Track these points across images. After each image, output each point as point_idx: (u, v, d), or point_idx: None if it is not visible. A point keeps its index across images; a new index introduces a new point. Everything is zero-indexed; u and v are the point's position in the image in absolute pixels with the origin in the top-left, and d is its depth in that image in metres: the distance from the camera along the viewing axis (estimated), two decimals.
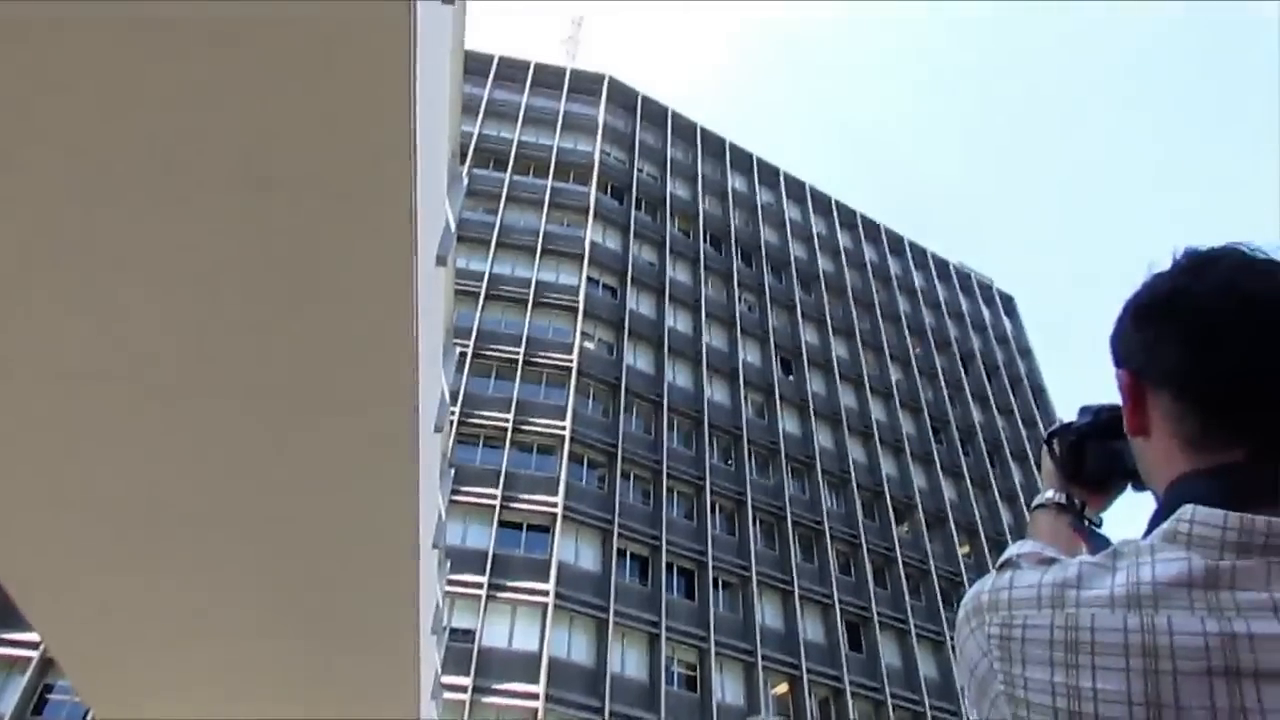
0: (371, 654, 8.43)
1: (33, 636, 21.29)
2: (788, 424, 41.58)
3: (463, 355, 33.11)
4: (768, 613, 34.60)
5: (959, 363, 51.68)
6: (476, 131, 42.14)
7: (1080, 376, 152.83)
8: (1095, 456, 1.25)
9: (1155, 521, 0.80)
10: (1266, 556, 0.70)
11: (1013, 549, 1.02)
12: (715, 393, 40.51)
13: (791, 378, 43.83)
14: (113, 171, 4.13)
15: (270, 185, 4.26)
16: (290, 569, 7.32)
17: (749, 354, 43.07)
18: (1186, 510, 0.75)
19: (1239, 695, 0.64)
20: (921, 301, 53.41)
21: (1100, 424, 1.24)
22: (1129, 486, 1.22)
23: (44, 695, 24.60)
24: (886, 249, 54.63)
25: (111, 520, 6.75)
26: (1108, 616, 0.71)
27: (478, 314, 36.81)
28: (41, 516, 6.72)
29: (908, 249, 55.90)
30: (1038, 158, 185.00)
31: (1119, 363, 0.91)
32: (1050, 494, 1.27)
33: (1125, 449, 1.16)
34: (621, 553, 32.99)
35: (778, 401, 41.76)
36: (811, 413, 42.44)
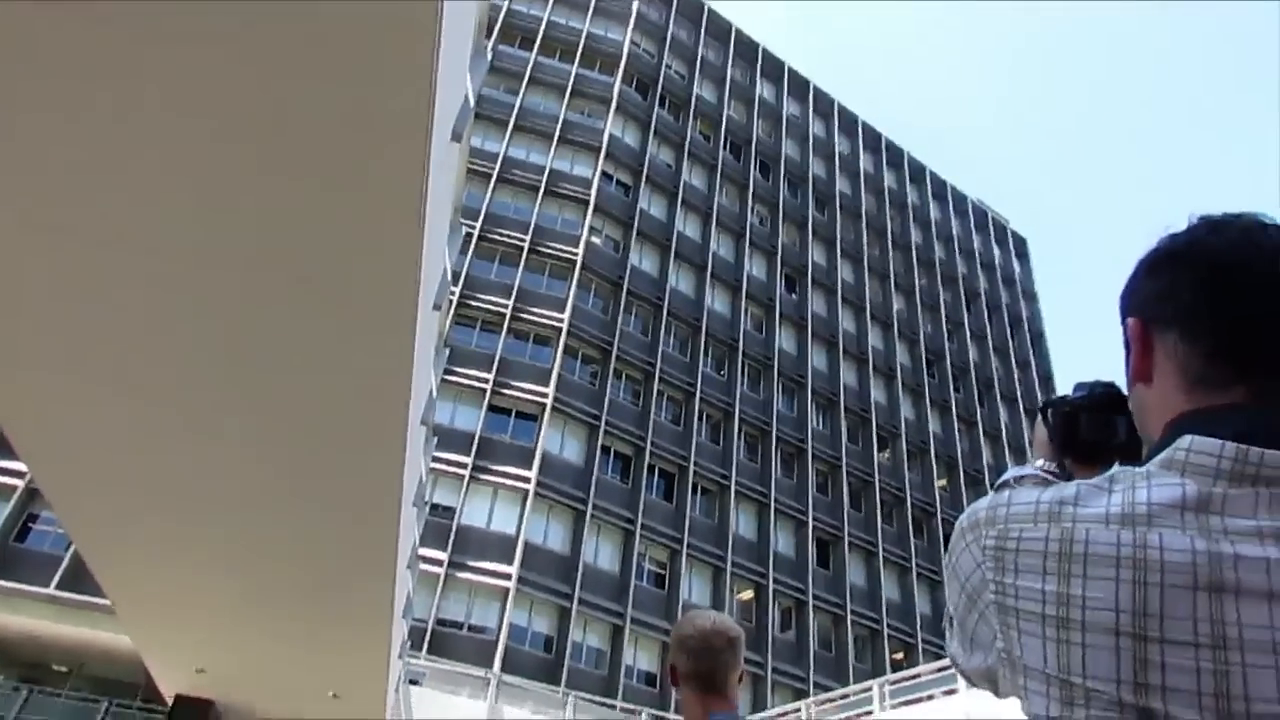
0: (355, 517, 8.60)
1: (19, 465, 21.68)
2: (784, 341, 41.65)
3: (468, 236, 32.85)
4: (742, 522, 35.37)
5: (963, 299, 51.48)
6: (506, 5, 40.73)
7: (1083, 330, 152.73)
8: (1089, 429, 1.30)
9: (1153, 455, 0.82)
10: (1257, 486, 0.74)
11: (1011, 472, 1.02)
12: (716, 302, 40.40)
13: (794, 295, 43.68)
14: (131, 56, 3.96)
15: (284, 44, 4.09)
16: (283, 429, 7.38)
17: (754, 267, 42.78)
18: (1185, 440, 0.79)
19: (1219, 608, 0.69)
20: (934, 233, 52.82)
21: (1095, 398, 1.31)
22: (1117, 463, 1.25)
23: (28, 524, 25.15)
24: (907, 176, 53.68)
25: (111, 377, 6.76)
26: (1102, 531, 0.75)
27: (487, 196, 36.33)
28: (44, 369, 6.72)
29: (928, 179, 54.95)
30: (1084, 108, 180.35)
31: (1129, 312, 0.94)
32: (1041, 463, 1.30)
33: (1118, 423, 1.21)
34: (606, 449, 33.47)
35: (777, 317, 41.73)
36: (809, 332, 42.47)
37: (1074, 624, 0.73)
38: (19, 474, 23.27)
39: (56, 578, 23.36)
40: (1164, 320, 0.89)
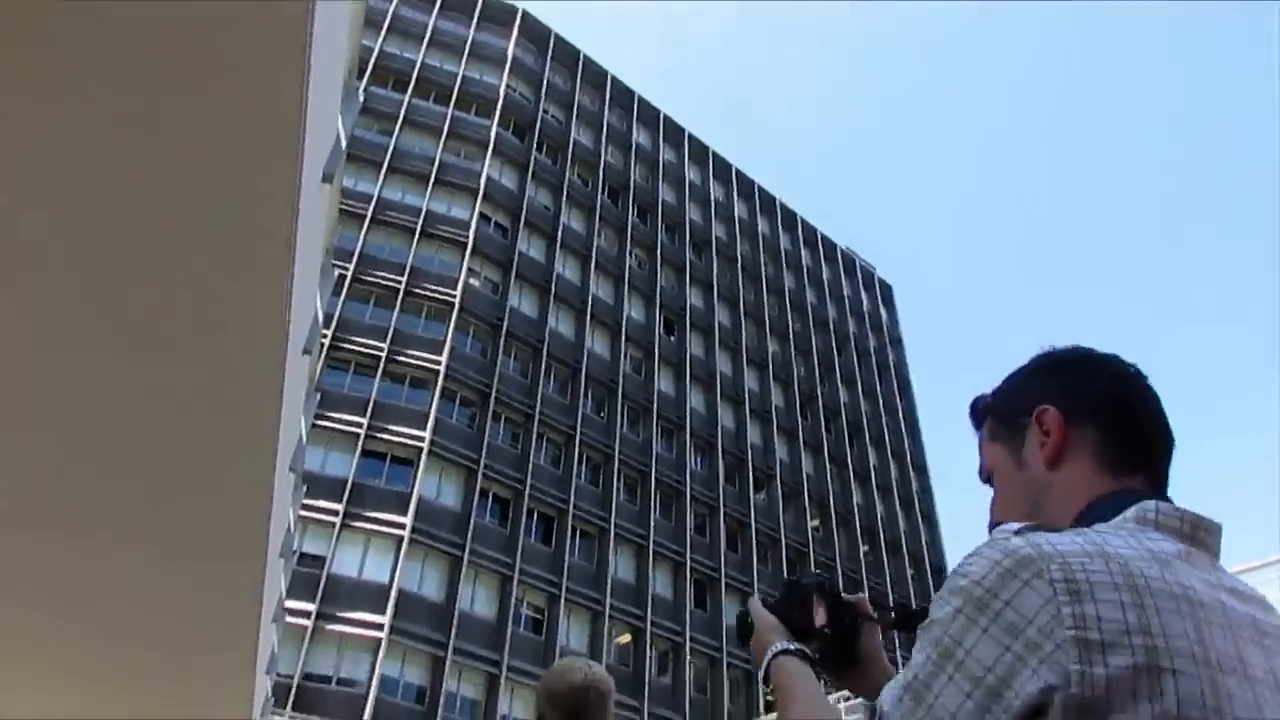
0: (217, 570, 8.19)
1: None
2: (663, 383, 42.22)
3: (341, 278, 32.07)
4: (621, 565, 35.36)
5: (833, 343, 53.51)
6: (378, 48, 40.33)
7: (946, 373, 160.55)
8: (796, 616, 1.28)
9: (1085, 521, 0.94)
10: (1203, 548, 0.90)
11: (1002, 527, 1.11)
12: (596, 344, 40.66)
13: (673, 338, 44.42)
14: None
15: (147, 73, 4.00)
16: (138, 474, 7.01)
17: (634, 309, 43.36)
18: (1150, 504, 0.92)
19: (1235, 645, 0.80)
20: (806, 279, 54.86)
21: (792, 592, 1.32)
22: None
23: None
24: (780, 223, 55.70)
25: None
26: (1150, 567, 0.82)
27: (361, 237, 35.61)
28: None
29: (799, 225, 57.17)
30: (931, 148, 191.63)
31: (1041, 400, 1.05)
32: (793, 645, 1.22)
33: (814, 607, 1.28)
34: (485, 493, 32.99)
35: (656, 360, 42.31)
36: (688, 375, 43.21)
37: (1162, 654, 0.75)
38: None
39: None
40: (1081, 413, 1.03)
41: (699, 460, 41.49)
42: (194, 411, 6.30)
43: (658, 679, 33.47)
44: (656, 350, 42.67)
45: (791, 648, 1.19)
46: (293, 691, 25.16)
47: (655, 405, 40.76)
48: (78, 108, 4.19)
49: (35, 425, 6.44)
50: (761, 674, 1.20)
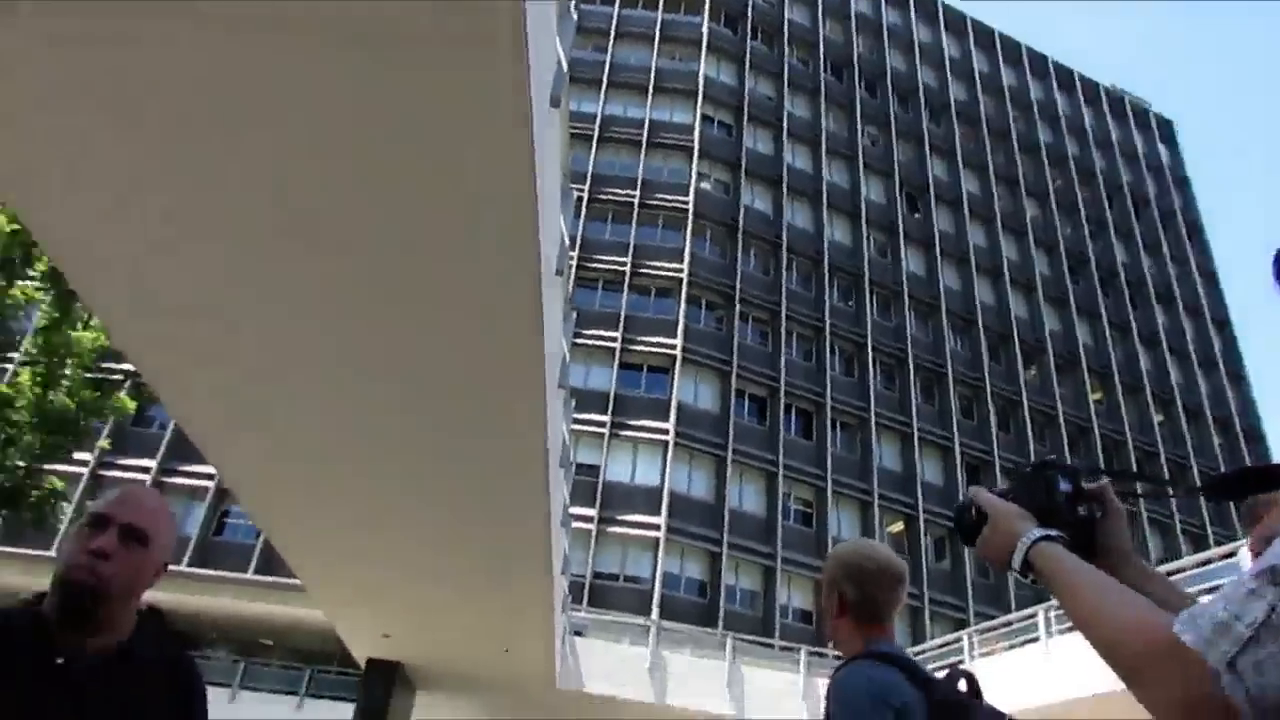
0: (507, 485, 8.97)
1: (209, 469, 23.61)
2: (912, 264, 40.33)
3: (579, 200, 33.17)
4: (885, 454, 34.80)
5: (1103, 195, 48.33)
6: None
7: (1245, 217, 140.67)
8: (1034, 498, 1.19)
9: None
10: None
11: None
12: (836, 232, 39.45)
13: (917, 215, 42.12)
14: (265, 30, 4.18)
15: (376, 40, 4.23)
16: (433, 409, 7.75)
17: (872, 190, 41.44)
18: None
19: None
20: (1065, 129, 49.64)
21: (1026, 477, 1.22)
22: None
23: (222, 520, 27.47)
24: (1028, 71, 50.50)
25: (276, 372, 7.26)
26: None
27: (591, 157, 36.50)
28: (221, 372, 7.30)
29: (1052, 70, 51.52)
30: None
31: None
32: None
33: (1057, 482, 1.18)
34: (740, 393, 33.48)
35: (902, 240, 40.39)
36: (937, 252, 40.94)
37: None
38: (209, 476, 25.42)
39: (252, 564, 25.46)
40: None
41: (958, 340, 39.51)
42: (471, 345, 6.82)
43: (935, 565, 32.96)
44: (901, 230, 40.68)
45: (1053, 534, 1.10)
46: (586, 589, 27.34)
47: (905, 288, 39.10)
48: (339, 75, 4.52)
49: (364, 375, 7.26)
50: (1018, 562, 1.10)
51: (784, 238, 37.44)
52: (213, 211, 5.51)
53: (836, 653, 2.13)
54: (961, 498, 1.25)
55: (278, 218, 5.54)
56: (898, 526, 33.57)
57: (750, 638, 23.64)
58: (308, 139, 4.91)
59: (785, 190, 38.78)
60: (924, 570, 31.87)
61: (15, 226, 14.15)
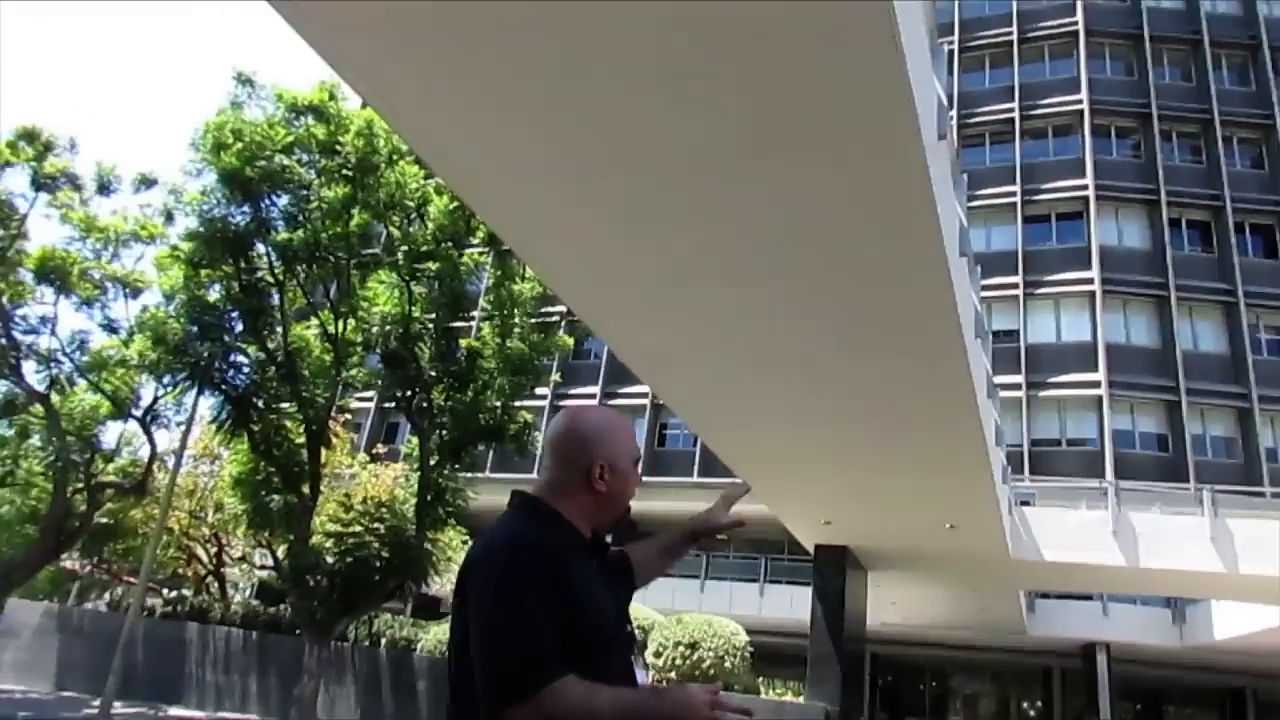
0: (924, 361, 8.93)
1: (644, 389, 26.28)
2: None
3: (950, 54, 30.76)
4: None
5: None
6: None
7: None
8: None
9: None
10: None
11: None
12: (1273, 7, 32.27)
13: None
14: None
15: None
16: (840, 305, 7.96)
17: None
18: None
19: None
20: None
21: None
22: None
23: (662, 431, 30.50)
24: None
25: (694, 302, 7.95)
26: None
27: (956, 3, 33.53)
28: (644, 301, 8.20)
29: None
30: None
31: None
32: None
33: None
34: (1174, 222, 29.31)
35: None
36: None
37: None
38: (644, 394, 28.35)
39: (695, 468, 28.02)
40: None
41: None
42: (863, 234, 6.86)
43: None
44: None
45: None
46: (1026, 458, 26.12)
47: None
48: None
49: (763, 286, 7.71)
50: None
51: (1204, 30, 31.48)
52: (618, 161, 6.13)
53: None
54: None
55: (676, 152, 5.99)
56: None
57: (1232, 488, 20.97)
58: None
59: None
60: None
61: (455, 204, 16.56)
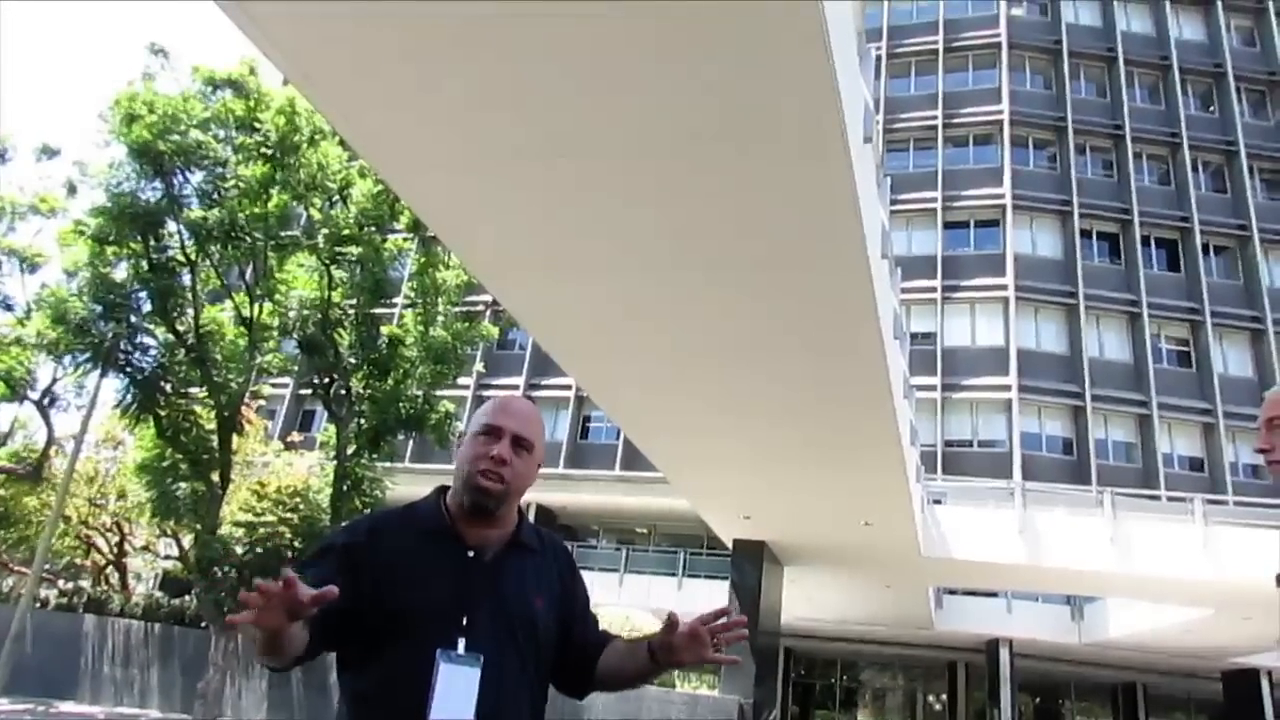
0: (842, 360, 9.07)
1: (568, 380, 26.15)
2: None
3: (876, 58, 31.34)
4: (1277, 273, 29.94)
5: None
6: None
7: None
8: None
9: None
10: None
11: None
12: (1184, 29, 33.78)
13: None
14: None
15: None
16: (761, 300, 8.00)
17: None
18: None
19: None
20: None
21: None
22: None
23: (585, 424, 30.41)
24: None
25: (619, 282, 7.89)
26: None
27: (885, 8, 34.18)
28: (570, 291, 8.12)
29: None
30: None
31: None
32: None
33: None
34: (1085, 233, 30.45)
35: (1272, 21, 33.59)
36: None
37: None
38: (567, 387, 28.23)
39: (617, 461, 28.02)
40: None
41: None
42: (787, 228, 6.90)
43: None
44: (1271, 8, 33.79)
45: None
46: (939, 458, 26.84)
47: None
48: None
49: (692, 274, 7.69)
50: None
51: (1119, 49, 32.75)
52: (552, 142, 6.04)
53: (1239, 500, 2.07)
54: None
55: (609, 134, 5.92)
56: None
57: (1132, 491, 21.90)
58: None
59: None
60: None
61: (379, 187, 16.21)
